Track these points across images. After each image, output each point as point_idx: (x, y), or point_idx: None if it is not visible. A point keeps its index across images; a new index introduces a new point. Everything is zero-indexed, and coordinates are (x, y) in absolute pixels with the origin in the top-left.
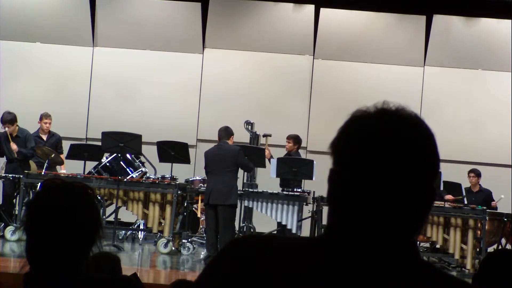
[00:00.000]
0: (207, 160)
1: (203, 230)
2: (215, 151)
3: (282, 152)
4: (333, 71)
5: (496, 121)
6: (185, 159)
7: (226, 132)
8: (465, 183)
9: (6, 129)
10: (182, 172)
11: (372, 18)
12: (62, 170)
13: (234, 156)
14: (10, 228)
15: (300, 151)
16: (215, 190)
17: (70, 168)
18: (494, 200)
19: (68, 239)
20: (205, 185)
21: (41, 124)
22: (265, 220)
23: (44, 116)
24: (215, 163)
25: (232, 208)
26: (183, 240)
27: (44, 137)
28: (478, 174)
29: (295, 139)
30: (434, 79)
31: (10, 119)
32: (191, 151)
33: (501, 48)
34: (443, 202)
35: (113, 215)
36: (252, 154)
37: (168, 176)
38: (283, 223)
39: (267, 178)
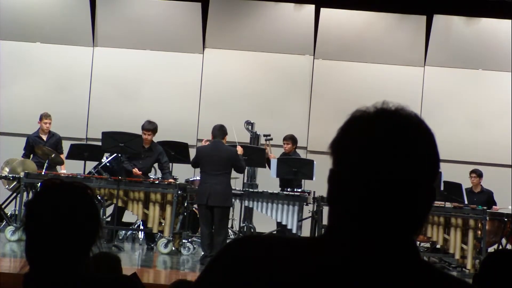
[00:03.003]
0: (200, 158)
1: (200, 230)
2: (211, 151)
3: (281, 152)
4: (333, 71)
5: (496, 121)
6: (185, 159)
7: (221, 131)
8: (465, 183)
9: (46, 125)
10: (182, 172)
11: (372, 18)
12: (62, 170)
13: (232, 158)
14: (10, 228)
15: (300, 151)
16: (214, 192)
17: (70, 168)
18: (495, 201)
19: (68, 239)
20: (198, 184)
21: (41, 124)
22: (265, 220)
23: (44, 116)
24: (211, 163)
25: (228, 210)
26: (183, 240)
27: (44, 137)
28: (480, 175)
29: (293, 140)
30: (434, 79)
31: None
32: (191, 151)
33: (501, 48)
34: (443, 202)
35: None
36: (252, 154)
37: None
38: (283, 223)
39: (267, 178)
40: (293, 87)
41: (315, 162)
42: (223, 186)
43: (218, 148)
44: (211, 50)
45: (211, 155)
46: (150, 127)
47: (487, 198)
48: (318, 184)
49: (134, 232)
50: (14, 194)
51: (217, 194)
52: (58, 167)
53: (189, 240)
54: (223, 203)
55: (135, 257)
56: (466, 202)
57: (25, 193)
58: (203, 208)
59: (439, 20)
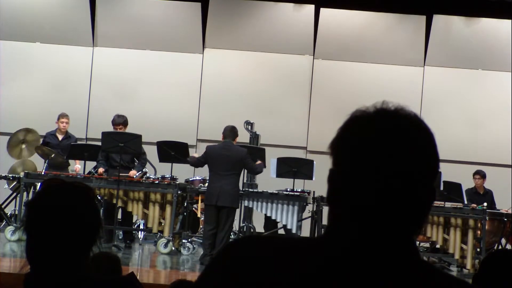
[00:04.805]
0: (210, 158)
1: (203, 230)
2: (221, 151)
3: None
4: (333, 71)
5: (496, 121)
6: (185, 159)
7: (232, 132)
8: (465, 184)
9: (63, 125)
10: (182, 172)
11: (372, 18)
12: (77, 165)
13: (242, 159)
14: (10, 228)
15: (300, 151)
16: (224, 192)
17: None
18: (494, 201)
19: (68, 239)
20: (207, 184)
21: (58, 124)
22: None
23: (61, 116)
24: (222, 164)
25: (235, 210)
26: (183, 240)
27: (60, 137)
28: (483, 176)
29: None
30: (434, 79)
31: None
32: (191, 151)
33: (501, 48)
34: (443, 202)
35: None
36: (252, 154)
37: (168, 176)
38: (283, 223)
39: (267, 178)
40: (293, 87)
41: (314, 162)
42: (232, 187)
43: (228, 148)
44: (211, 50)
45: (222, 155)
46: (120, 120)
47: (491, 198)
48: (318, 184)
49: (134, 232)
50: (14, 194)
51: (227, 194)
52: (72, 165)
53: (189, 240)
54: (231, 203)
55: (135, 257)
56: (466, 202)
57: (25, 193)
58: (211, 209)
59: (439, 20)
